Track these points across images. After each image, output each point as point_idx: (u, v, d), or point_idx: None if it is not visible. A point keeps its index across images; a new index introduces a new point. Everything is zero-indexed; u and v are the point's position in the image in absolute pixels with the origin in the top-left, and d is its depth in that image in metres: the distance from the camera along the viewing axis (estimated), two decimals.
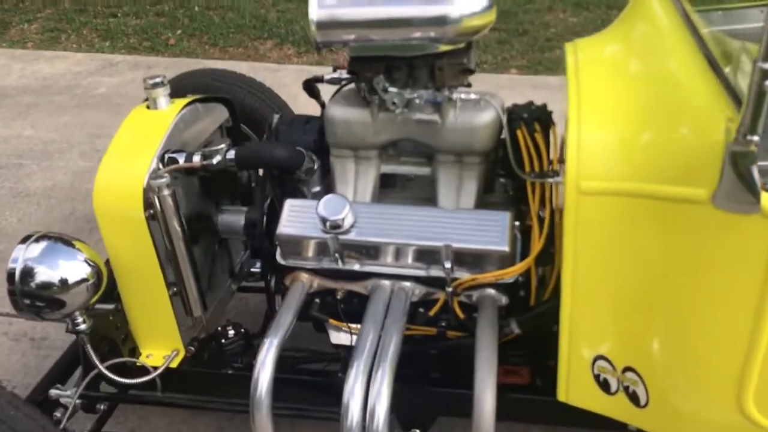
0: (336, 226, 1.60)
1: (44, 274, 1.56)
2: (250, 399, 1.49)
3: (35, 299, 1.57)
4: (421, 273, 1.63)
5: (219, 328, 1.91)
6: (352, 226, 1.61)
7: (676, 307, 1.30)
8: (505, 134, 1.68)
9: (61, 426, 1.70)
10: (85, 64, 5.09)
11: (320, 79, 1.89)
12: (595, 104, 1.42)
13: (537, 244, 1.55)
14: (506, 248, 1.55)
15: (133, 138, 1.75)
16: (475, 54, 1.69)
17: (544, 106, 1.73)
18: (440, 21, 1.53)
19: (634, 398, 1.43)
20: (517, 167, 1.63)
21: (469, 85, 1.69)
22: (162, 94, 1.79)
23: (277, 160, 1.75)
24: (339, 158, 1.79)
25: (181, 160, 1.72)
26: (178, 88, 2.20)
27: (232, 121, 2.05)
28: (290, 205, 1.70)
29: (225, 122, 2.03)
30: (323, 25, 1.57)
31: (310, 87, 1.94)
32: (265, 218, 1.84)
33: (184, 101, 1.83)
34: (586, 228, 1.35)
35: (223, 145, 1.74)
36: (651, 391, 1.39)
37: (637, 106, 1.37)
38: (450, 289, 1.59)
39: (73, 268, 1.59)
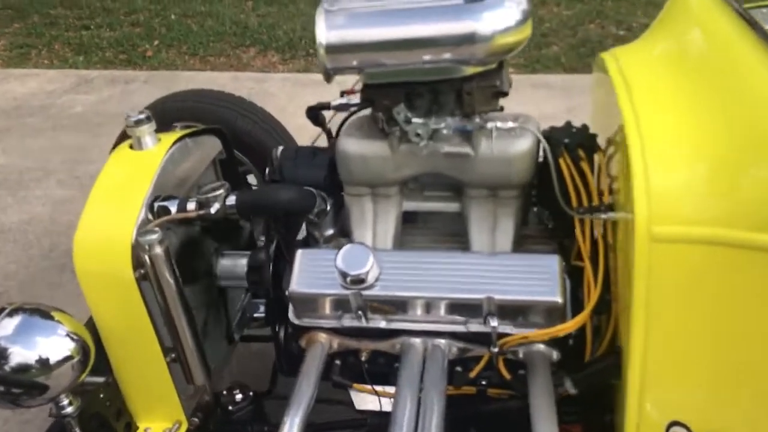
0: (359, 281, 1.38)
1: (20, 355, 1.32)
2: None
3: (11, 385, 1.33)
4: (459, 329, 1.42)
5: (224, 392, 1.69)
6: (376, 280, 1.39)
7: None
8: (543, 162, 1.47)
9: None
10: (58, 82, 4.82)
11: (326, 106, 1.66)
12: (658, 129, 1.21)
13: (594, 293, 1.34)
14: (558, 299, 1.34)
15: (117, 185, 1.52)
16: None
17: (586, 127, 1.52)
18: (469, 39, 1.32)
19: None
20: (562, 201, 1.42)
21: (501, 109, 1.47)
22: (147, 132, 1.55)
23: (285, 204, 1.52)
24: (355, 197, 1.57)
25: (174, 209, 1.49)
26: (161, 112, 1.98)
27: (226, 153, 1.83)
28: (303, 257, 1.48)
29: (218, 155, 1.81)
30: (334, 49, 1.34)
31: (315, 115, 1.71)
32: (271, 263, 1.62)
33: (172, 138, 1.60)
34: (661, 279, 1.14)
35: (221, 190, 1.51)
36: None
37: (712, 132, 1.16)
38: (496, 349, 1.38)
39: (54, 345, 1.35)
